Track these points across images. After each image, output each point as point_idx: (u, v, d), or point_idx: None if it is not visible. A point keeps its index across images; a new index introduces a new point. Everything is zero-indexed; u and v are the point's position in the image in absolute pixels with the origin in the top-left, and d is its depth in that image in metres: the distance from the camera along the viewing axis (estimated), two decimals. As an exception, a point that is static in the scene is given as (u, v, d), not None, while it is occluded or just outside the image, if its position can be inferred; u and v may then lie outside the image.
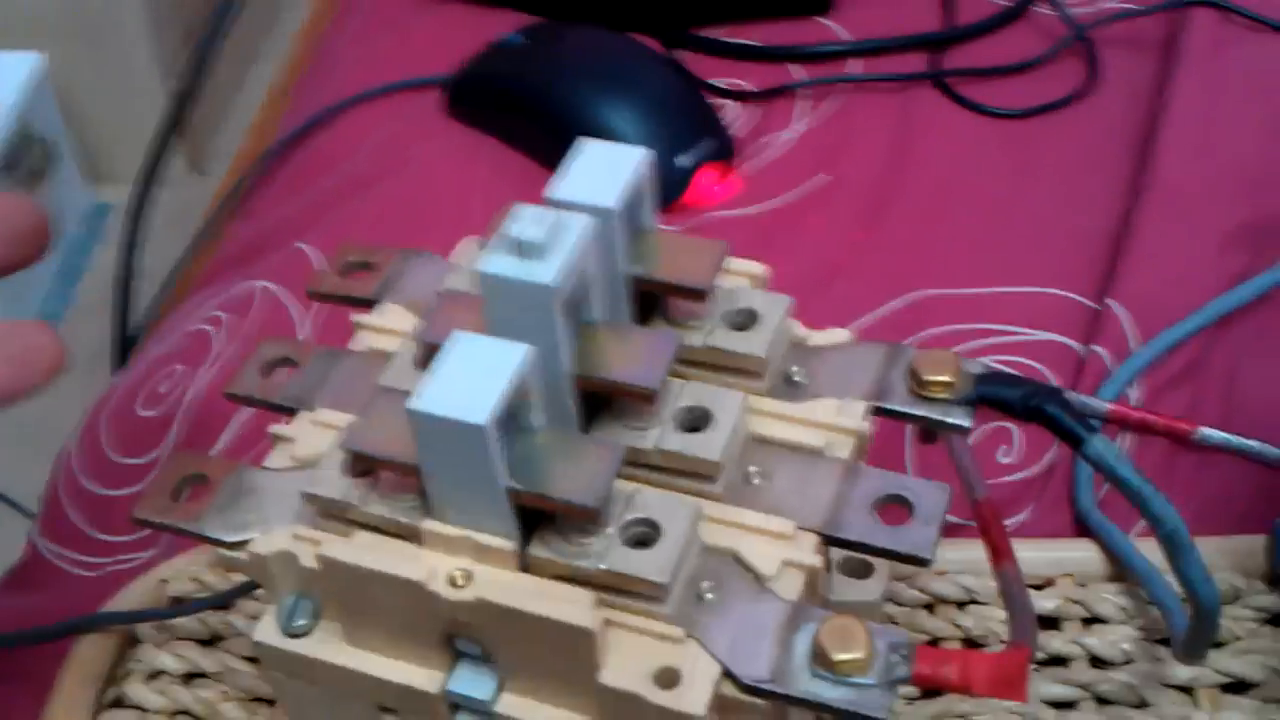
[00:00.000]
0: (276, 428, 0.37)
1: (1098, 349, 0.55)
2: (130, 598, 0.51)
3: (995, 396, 0.36)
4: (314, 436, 0.36)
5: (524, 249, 0.31)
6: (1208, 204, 0.60)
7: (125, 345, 0.71)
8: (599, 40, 0.68)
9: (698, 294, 0.35)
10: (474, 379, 0.30)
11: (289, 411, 0.38)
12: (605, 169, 0.34)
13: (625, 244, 0.35)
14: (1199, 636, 0.40)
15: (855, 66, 0.70)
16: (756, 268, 0.39)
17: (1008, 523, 0.51)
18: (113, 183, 0.98)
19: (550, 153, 0.64)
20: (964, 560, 0.49)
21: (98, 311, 0.74)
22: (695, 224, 0.63)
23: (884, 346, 0.38)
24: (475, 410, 0.29)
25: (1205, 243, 0.59)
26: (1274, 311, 0.57)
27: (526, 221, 0.31)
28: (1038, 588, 0.49)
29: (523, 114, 0.66)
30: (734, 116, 0.68)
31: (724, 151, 0.65)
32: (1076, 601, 0.48)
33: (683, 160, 0.63)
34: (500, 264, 0.31)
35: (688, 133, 0.64)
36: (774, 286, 0.52)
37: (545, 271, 0.31)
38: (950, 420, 0.36)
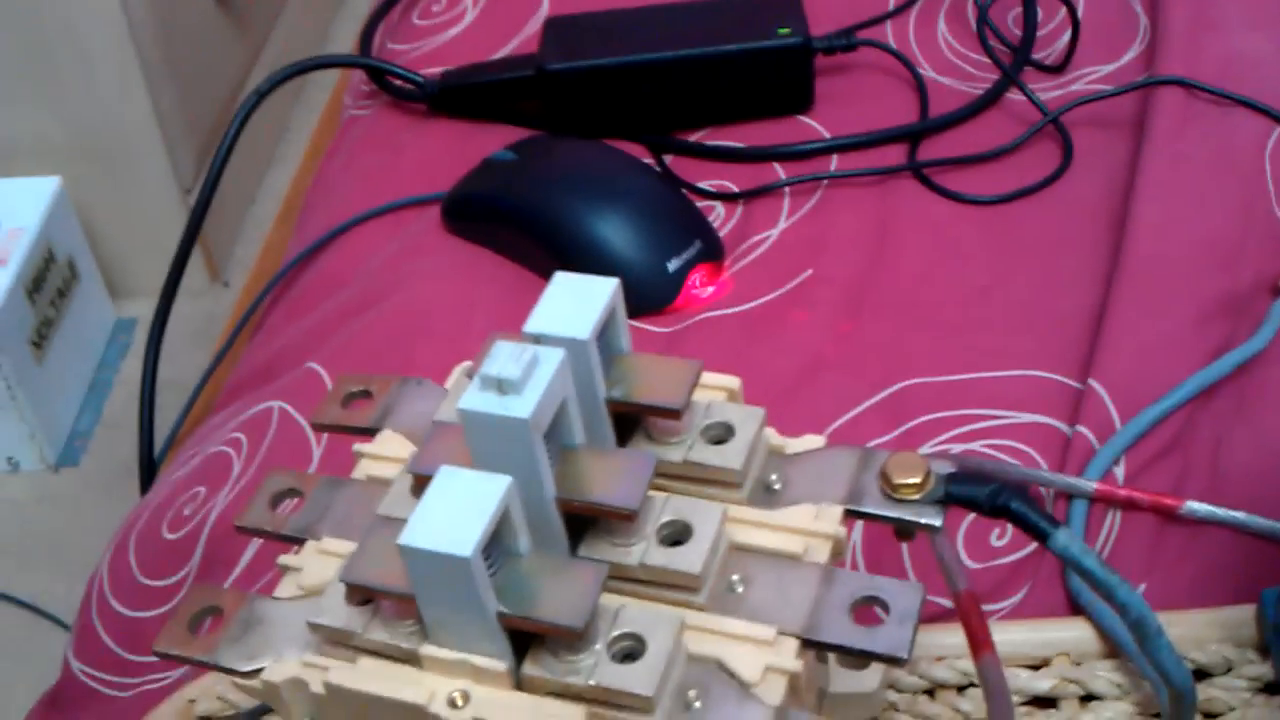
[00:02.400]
0: (285, 558, 0.39)
1: (1082, 429, 0.57)
2: (160, 718, 0.53)
3: (963, 496, 0.38)
4: (319, 565, 0.38)
5: (501, 386, 0.33)
6: (1182, 278, 0.62)
7: (151, 464, 0.73)
8: (585, 153, 0.70)
9: (673, 413, 0.37)
10: (459, 512, 0.32)
11: (297, 541, 0.40)
12: (578, 301, 0.36)
13: (601, 369, 0.37)
14: (1178, 716, 0.41)
15: (836, 162, 0.72)
16: (731, 381, 0.41)
17: (1002, 604, 0.52)
18: (135, 297, 1.00)
19: (545, 264, 0.66)
20: (962, 645, 0.49)
21: (124, 426, 0.76)
22: (687, 324, 0.65)
23: (856, 451, 0.39)
24: (460, 543, 0.31)
25: (1182, 317, 0.60)
26: (1253, 382, 0.58)
27: (503, 360, 0.33)
28: (1034, 667, 0.50)
29: (516, 228, 0.68)
30: (721, 217, 0.70)
31: (713, 252, 0.67)
32: (1073, 680, 0.49)
33: (673, 264, 0.65)
34: (479, 401, 0.33)
35: (677, 237, 0.66)
36: (763, 381, 0.53)
37: (522, 406, 0.33)
38: (923, 520, 0.38)
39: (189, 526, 0.61)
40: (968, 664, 0.50)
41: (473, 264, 0.69)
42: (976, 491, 0.38)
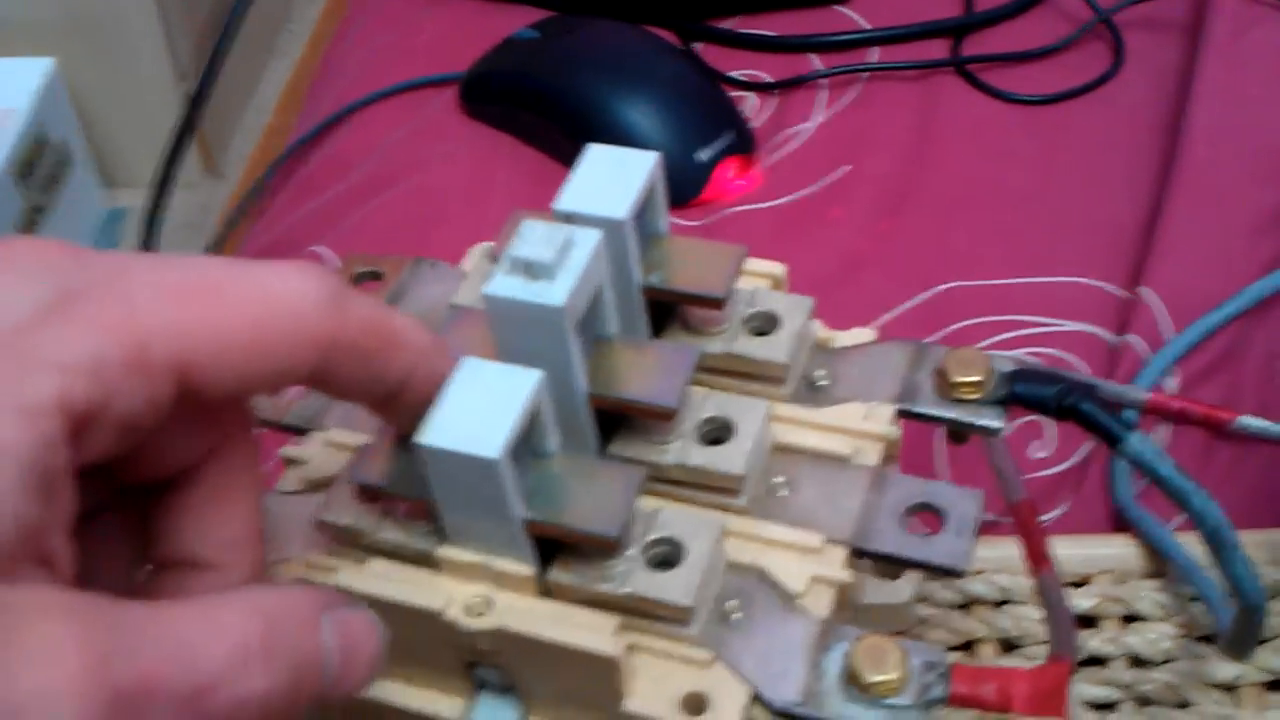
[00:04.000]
0: (287, 449, 0.36)
1: (1131, 338, 0.54)
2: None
3: (1028, 396, 0.35)
4: (326, 458, 0.36)
5: (532, 269, 0.30)
6: (1238, 188, 0.59)
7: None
8: (613, 34, 0.67)
9: (714, 302, 0.34)
10: (484, 409, 0.29)
11: (300, 431, 0.37)
12: (614, 176, 0.33)
13: (638, 253, 0.34)
14: (1245, 634, 0.39)
15: (874, 55, 0.69)
16: (776, 268, 0.38)
17: (1042, 519, 0.50)
18: (128, 187, 0.97)
19: (567, 149, 0.63)
20: (1000, 559, 0.48)
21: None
22: (716, 218, 0.62)
23: (910, 346, 0.37)
24: (487, 443, 0.28)
25: (1237, 228, 0.58)
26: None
27: (534, 241, 0.30)
28: (1075, 585, 0.47)
29: (538, 111, 0.65)
30: (753, 109, 0.67)
31: (744, 145, 0.64)
32: (1115, 599, 0.47)
33: (702, 155, 0.62)
34: (508, 286, 0.30)
35: (707, 127, 0.63)
36: (797, 280, 0.51)
37: (555, 292, 0.30)
38: (981, 422, 0.35)
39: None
40: (1006, 579, 0.47)
41: (492, 147, 0.66)
42: (1043, 391, 0.35)
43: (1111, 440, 0.34)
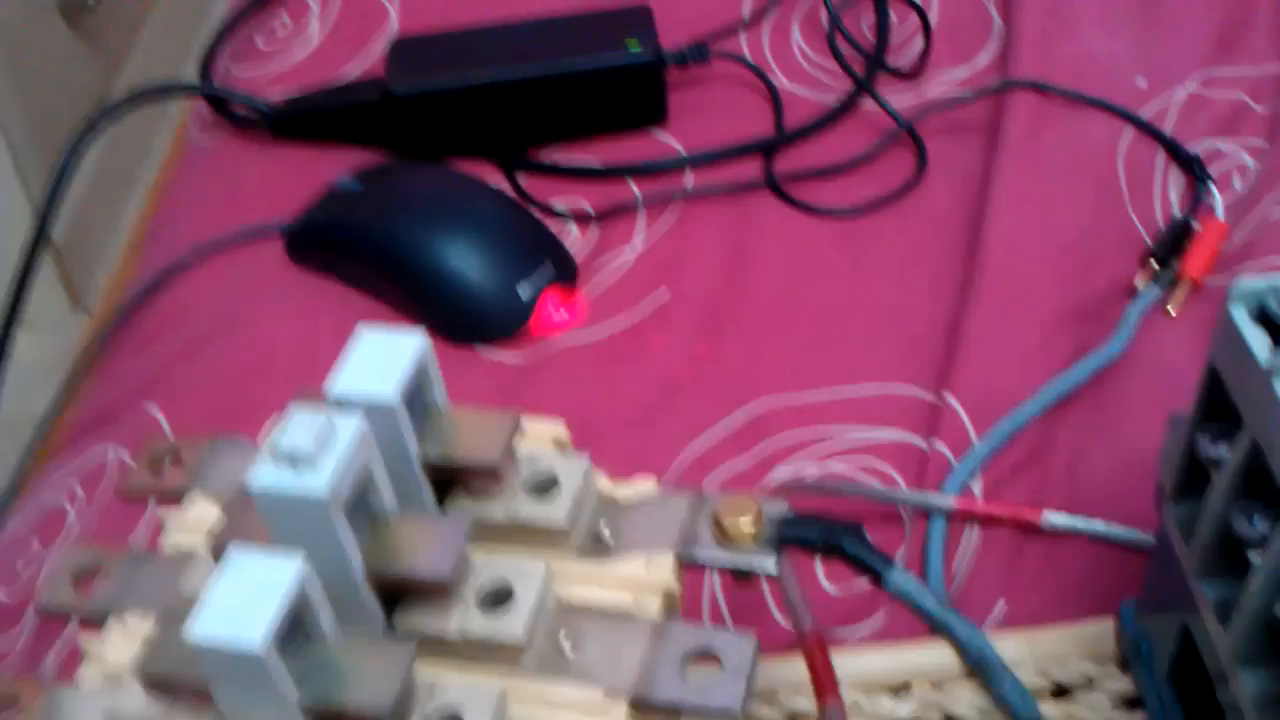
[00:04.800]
0: (86, 641, 0.37)
1: (939, 444, 0.56)
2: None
3: (796, 538, 0.37)
4: (123, 646, 0.36)
5: (294, 459, 0.31)
6: (1036, 286, 0.61)
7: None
8: (432, 178, 0.68)
9: (491, 471, 0.35)
10: (249, 599, 0.30)
11: (100, 622, 0.38)
12: (384, 358, 0.35)
13: (413, 429, 0.35)
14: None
15: (692, 178, 0.71)
16: (557, 429, 0.39)
17: (862, 626, 0.51)
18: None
19: (393, 294, 0.64)
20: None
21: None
22: (541, 354, 0.63)
23: (688, 495, 0.38)
24: (251, 634, 0.29)
25: (1036, 325, 0.60)
26: (1110, 389, 0.58)
27: (295, 431, 0.31)
28: (895, 691, 0.49)
29: (363, 257, 0.66)
30: (575, 239, 0.69)
31: (566, 275, 0.65)
32: (934, 705, 0.48)
33: (524, 288, 0.63)
34: (271, 476, 0.31)
35: (527, 261, 0.64)
36: (619, 407, 0.52)
37: (317, 481, 0.31)
38: (755, 566, 0.37)
39: (19, 585, 0.58)
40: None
41: (318, 296, 0.67)
42: (809, 532, 0.37)
43: (874, 576, 0.35)
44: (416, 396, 0.35)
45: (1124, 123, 0.69)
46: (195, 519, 0.39)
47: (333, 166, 0.71)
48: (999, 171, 0.66)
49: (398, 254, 0.64)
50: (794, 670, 0.49)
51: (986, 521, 0.54)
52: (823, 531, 0.36)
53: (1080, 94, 0.70)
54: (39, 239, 0.67)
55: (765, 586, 0.52)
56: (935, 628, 0.36)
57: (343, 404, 0.34)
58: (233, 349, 0.65)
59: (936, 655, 0.50)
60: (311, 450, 0.31)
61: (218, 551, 0.34)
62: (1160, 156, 0.68)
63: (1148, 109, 0.70)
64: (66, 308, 0.84)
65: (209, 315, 0.67)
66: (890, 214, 0.68)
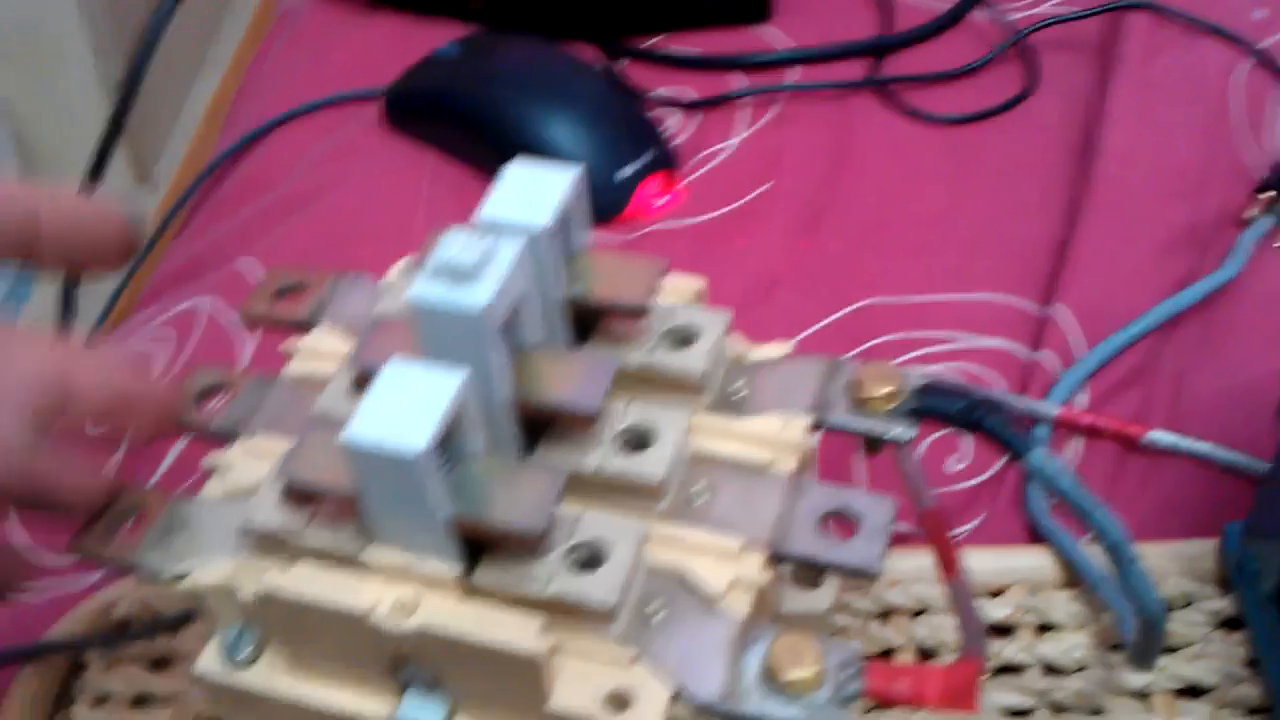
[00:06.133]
0: (211, 457, 0.36)
1: (1044, 354, 0.55)
2: (75, 622, 0.50)
3: (936, 409, 0.36)
4: (250, 465, 0.36)
5: (455, 274, 0.30)
6: (1149, 207, 0.60)
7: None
8: (535, 52, 0.67)
9: (636, 313, 0.35)
10: (409, 407, 0.29)
11: (224, 440, 0.37)
12: (536, 188, 0.34)
13: (559, 265, 0.34)
14: (1147, 645, 0.40)
15: (795, 75, 0.70)
16: (694, 283, 0.38)
17: (959, 530, 0.51)
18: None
19: (490, 164, 0.63)
20: (917, 569, 0.49)
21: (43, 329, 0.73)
22: (637, 236, 0.62)
23: (824, 361, 0.37)
24: (411, 440, 0.28)
25: (1148, 246, 0.59)
26: (1217, 315, 0.57)
27: (457, 246, 0.30)
28: (991, 595, 0.48)
29: (461, 126, 0.65)
30: (676, 127, 0.68)
31: (666, 162, 0.64)
32: (1030, 609, 0.48)
33: (624, 173, 0.63)
34: (431, 290, 0.30)
35: (628, 145, 0.63)
36: (715, 298, 0.51)
37: (477, 297, 0.30)
38: (892, 434, 0.36)
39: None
40: (923, 589, 0.48)
41: (415, 162, 0.66)
42: (950, 405, 0.36)
43: (1015, 454, 0.35)
44: (564, 233, 0.34)
45: (1240, 53, 0.68)
46: (322, 348, 0.38)
47: (428, 39, 0.70)
48: (1113, 90, 0.65)
49: (499, 125, 0.63)
50: (888, 564, 0.48)
51: (1089, 434, 0.53)
52: (964, 405, 0.35)
53: (1197, 19, 0.68)
54: (119, 117, 0.67)
55: (861, 474, 0.52)
56: (1073, 510, 0.35)
57: (494, 229, 0.33)
58: (326, 210, 0.64)
59: (1035, 560, 0.49)
60: (473, 266, 0.30)
61: (360, 373, 0.34)
62: (1276, 91, 0.66)
63: (1264, 43, 0.68)
64: (132, 184, 0.83)
65: (303, 176, 0.67)
66: (998, 126, 0.67)
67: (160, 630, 0.49)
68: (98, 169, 0.67)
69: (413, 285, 0.31)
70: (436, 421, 0.29)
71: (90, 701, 0.48)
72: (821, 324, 0.58)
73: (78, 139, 0.77)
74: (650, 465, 0.33)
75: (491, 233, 0.31)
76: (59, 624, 0.50)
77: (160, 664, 0.49)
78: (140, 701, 0.49)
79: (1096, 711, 0.45)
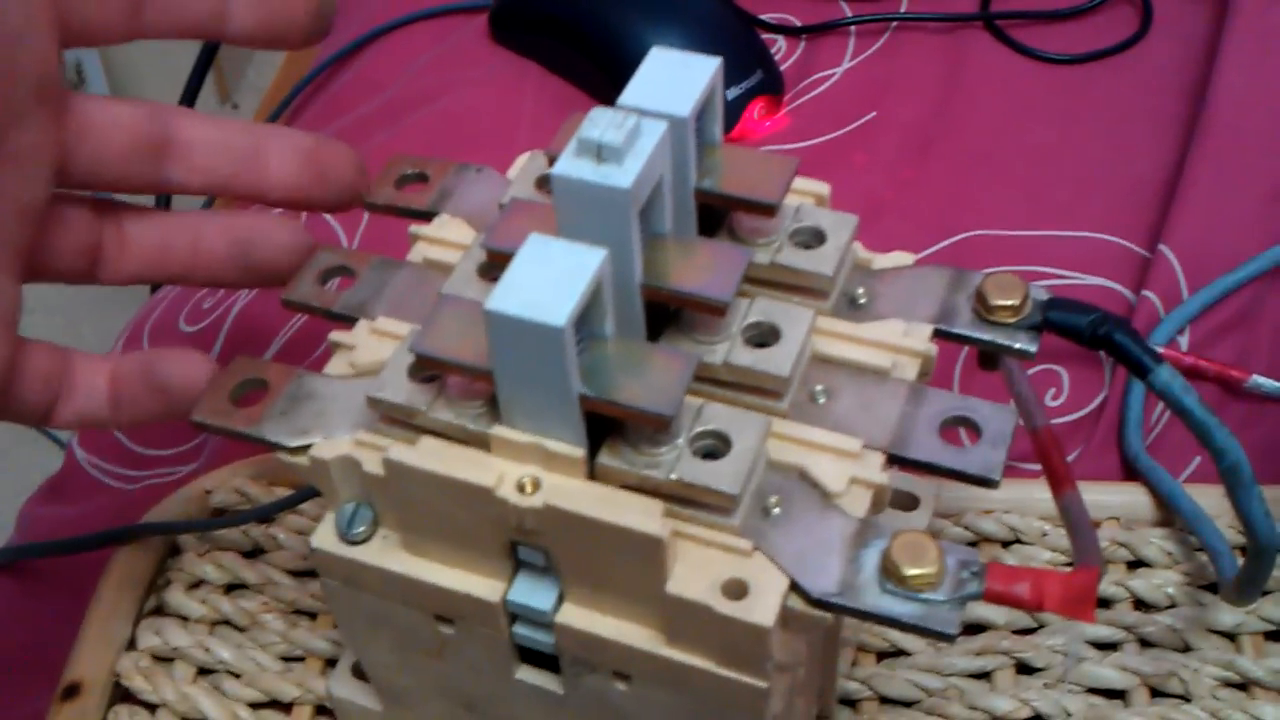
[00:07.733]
0: (336, 335, 0.37)
1: (1149, 295, 0.55)
2: (173, 508, 0.51)
3: (1063, 323, 0.36)
4: (374, 345, 0.36)
5: (601, 152, 0.30)
6: (1260, 155, 0.59)
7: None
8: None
9: (768, 209, 0.35)
10: (551, 281, 0.29)
11: (346, 321, 0.37)
12: (678, 77, 0.34)
13: (693, 155, 0.34)
14: (1254, 576, 0.39)
15: (903, 5, 0.69)
16: (821, 187, 0.38)
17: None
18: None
19: (596, 80, 0.64)
20: (1010, 499, 0.49)
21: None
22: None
23: (949, 270, 0.37)
24: (553, 312, 0.29)
25: (1257, 193, 0.58)
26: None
27: (604, 125, 0.30)
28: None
29: (567, 41, 0.65)
30: (783, 52, 0.67)
31: (773, 85, 0.64)
32: (1122, 544, 0.48)
33: (732, 92, 0.62)
34: (576, 167, 0.30)
35: (737, 65, 0.63)
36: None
37: (622, 175, 0.30)
38: (1017, 345, 0.36)
39: (209, 319, 0.59)
40: (1014, 519, 0.48)
41: (519, 76, 0.66)
42: (1077, 318, 0.35)
43: (1141, 371, 0.34)
44: (699, 125, 0.34)
45: (1362, 4, 0.66)
46: (446, 236, 0.39)
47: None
48: (1228, 36, 0.64)
49: (607, 40, 0.63)
50: (980, 492, 0.48)
51: (1191, 376, 0.52)
52: (1093, 319, 0.35)
53: (1320, -32, 0.67)
54: (211, 47, 0.67)
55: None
56: (1194, 430, 0.35)
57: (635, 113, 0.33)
58: (431, 118, 0.64)
59: (1129, 497, 0.49)
60: (619, 143, 0.30)
61: (492, 254, 0.34)
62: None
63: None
64: (216, 102, 0.84)
65: (408, 84, 0.67)
66: (1109, 66, 0.66)
67: (255, 518, 0.50)
68: (194, 86, 0.67)
69: (558, 161, 0.31)
70: (579, 295, 0.29)
71: (184, 586, 0.49)
72: (924, 254, 0.57)
73: (163, 54, 0.78)
74: (775, 362, 0.33)
75: (636, 114, 0.31)
76: (156, 508, 0.51)
77: (254, 553, 0.50)
78: (233, 588, 0.49)
79: (1185, 648, 0.45)
